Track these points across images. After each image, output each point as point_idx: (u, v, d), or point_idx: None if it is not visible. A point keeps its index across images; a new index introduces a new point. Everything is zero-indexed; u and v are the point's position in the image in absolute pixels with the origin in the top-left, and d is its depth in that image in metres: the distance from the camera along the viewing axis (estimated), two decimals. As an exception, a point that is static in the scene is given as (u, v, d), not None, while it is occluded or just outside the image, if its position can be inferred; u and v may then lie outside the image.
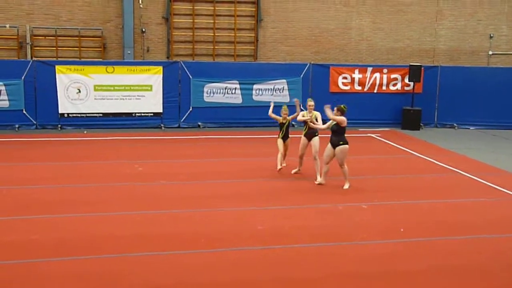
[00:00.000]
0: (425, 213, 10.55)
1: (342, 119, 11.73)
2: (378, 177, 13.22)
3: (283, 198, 11.23)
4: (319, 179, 12.33)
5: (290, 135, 13.15)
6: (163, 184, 12.13)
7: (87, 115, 18.90)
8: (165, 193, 11.43)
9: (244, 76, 19.91)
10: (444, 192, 12.05)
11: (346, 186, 12.00)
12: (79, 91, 18.74)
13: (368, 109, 20.64)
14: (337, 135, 11.79)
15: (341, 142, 11.85)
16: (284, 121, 12.99)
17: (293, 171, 12.92)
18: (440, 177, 13.37)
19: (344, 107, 11.81)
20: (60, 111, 18.63)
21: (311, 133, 12.56)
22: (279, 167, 12.81)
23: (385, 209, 10.76)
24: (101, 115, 19.00)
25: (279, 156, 12.94)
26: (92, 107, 18.89)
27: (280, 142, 13.04)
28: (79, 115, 18.85)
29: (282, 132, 13.04)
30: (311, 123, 12.39)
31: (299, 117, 12.60)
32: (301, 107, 13.22)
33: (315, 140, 12.56)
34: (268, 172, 13.24)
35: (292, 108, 13.22)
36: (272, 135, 17.59)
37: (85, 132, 18.41)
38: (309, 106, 12.57)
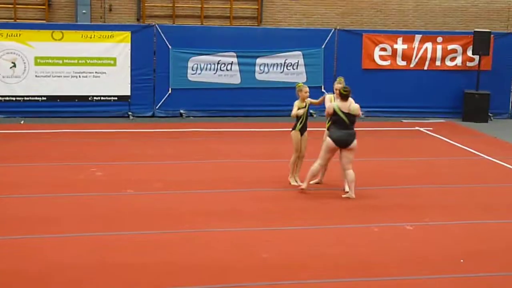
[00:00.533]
0: (495, 237, 10.55)
1: (330, 106, 12.06)
2: (430, 187, 13.25)
3: (295, 216, 11.25)
4: (350, 193, 12.34)
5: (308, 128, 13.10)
6: (130, 195, 12.17)
7: (25, 98, 18.97)
8: (134, 208, 11.44)
9: (243, 46, 19.99)
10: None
11: (353, 195, 12.26)
12: (14, 65, 18.80)
13: (416, 93, 20.72)
14: (349, 126, 11.94)
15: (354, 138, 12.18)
16: (303, 105, 12.91)
17: (312, 181, 12.90)
18: (517, 188, 13.45)
19: (345, 90, 11.88)
20: (-13, 93, 18.77)
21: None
22: (293, 182, 12.80)
23: (439, 231, 10.77)
24: (44, 99, 19.07)
25: (293, 162, 12.84)
26: (32, 88, 18.96)
27: (296, 136, 12.92)
28: (13, 98, 18.93)
29: (301, 122, 12.88)
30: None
31: (327, 104, 12.50)
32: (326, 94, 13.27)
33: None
34: (275, 180, 13.28)
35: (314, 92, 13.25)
36: (281, 128, 17.68)
37: (22, 122, 18.46)
38: (337, 89, 12.49)
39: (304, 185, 12.40)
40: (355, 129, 12.18)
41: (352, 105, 11.95)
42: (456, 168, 14.90)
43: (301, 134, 12.83)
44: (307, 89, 12.88)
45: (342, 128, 11.95)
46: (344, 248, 9.95)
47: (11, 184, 12.61)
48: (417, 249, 10.00)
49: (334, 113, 11.96)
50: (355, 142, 12.03)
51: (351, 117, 11.95)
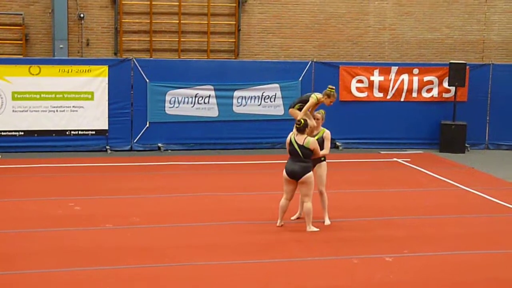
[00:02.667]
0: (473, 269, 10.60)
1: (288, 137, 12.16)
2: (408, 218, 13.29)
3: (275, 249, 11.24)
4: (327, 221, 12.47)
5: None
6: (109, 230, 12.11)
7: (2, 133, 18.87)
8: (113, 243, 11.39)
9: (221, 79, 20.04)
10: (502, 239, 12.14)
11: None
12: (-9, 101, 18.76)
13: (394, 124, 20.82)
14: (302, 159, 12.01)
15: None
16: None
17: (293, 217, 12.91)
18: (497, 218, 13.47)
19: (297, 124, 11.98)
20: (-37, 128, 18.69)
21: (315, 159, 12.61)
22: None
23: (417, 263, 10.79)
24: (22, 133, 18.98)
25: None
26: (9, 123, 18.87)
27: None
28: (-9, 133, 18.87)
29: None
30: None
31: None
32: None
33: (322, 167, 12.60)
34: (254, 213, 13.28)
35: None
36: (259, 161, 17.73)
37: (-1, 157, 18.40)
38: (316, 120, 12.63)
39: (278, 223, 12.38)
40: (309, 161, 12.09)
41: (307, 139, 11.98)
42: (434, 199, 14.95)
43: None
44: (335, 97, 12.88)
45: (296, 161, 11.99)
46: (325, 281, 9.94)
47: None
48: (397, 280, 10.02)
49: (290, 143, 12.03)
50: (308, 175, 11.96)
51: (305, 150, 11.96)
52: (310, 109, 12.57)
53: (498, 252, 11.39)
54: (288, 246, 11.45)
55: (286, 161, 12.11)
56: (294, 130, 12.04)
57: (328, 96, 12.72)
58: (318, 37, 23.72)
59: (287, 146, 12.12)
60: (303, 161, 11.93)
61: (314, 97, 12.60)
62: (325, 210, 12.63)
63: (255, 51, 23.36)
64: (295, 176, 11.97)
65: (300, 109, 12.54)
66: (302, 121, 11.94)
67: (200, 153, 19.46)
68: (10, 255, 10.69)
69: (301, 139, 11.93)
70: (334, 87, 12.88)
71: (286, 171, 12.05)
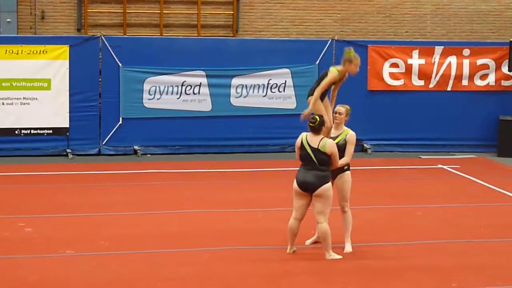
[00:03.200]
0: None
1: (298, 139, 12.02)
2: (456, 242, 13.28)
3: (281, 283, 11.21)
4: (348, 247, 12.38)
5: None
6: (69, 257, 12.09)
7: None
8: (72, 274, 11.36)
9: (215, 63, 20.11)
10: None
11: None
12: None
13: (438, 121, 20.89)
14: (317, 167, 11.94)
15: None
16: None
17: (308, 241, 12.90)
18: None
19: (311, 121, 11.88)
20: None
21: (336, 169, 12.58)
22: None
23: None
24: (-42, 133, 19.06)
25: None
26: None
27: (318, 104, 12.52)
28: None
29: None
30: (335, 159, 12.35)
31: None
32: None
33: (344, 179, 12.56)
34: (255, 235, 13.30)
35: None
36: (263, 168, 17.73)
37: None
38: (337, 115, 12.55)
39: (289, 249, 12.32)
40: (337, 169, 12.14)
41: (324, 141, 11.85)
42: (490, 217, 14.96)
43: (321, 100, 12.57)
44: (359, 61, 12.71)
45: (309, 168, 11.89)
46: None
47: None
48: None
49: (302, 147, 11.93)
50: (325, 187, 11.87)
51: (322, 155, 11.86)
52: (332, 89, 12.48)
53: None
54: (300, 278, 11.41)
55: (297, 169, 12.06)
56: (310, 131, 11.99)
57: (350, 61, 12.57)
58: (340, 8, 23.76)
59: (297, 150, 12.03)
60: (319, 169, 11.82)
61: (334, 70, 12.47)
62: (347, 232, 12.54)
63: (259, 27, 23.41)
64: (308, 188, 11.87)
65: (323, 97, 12.42)
66: (318, 117, 11.83)
67: (187, 158, 19.56)
68: None
69: (316, 140, 11.83)
70: (351, 47, 12.70)
71: (297, 182, 11.98)
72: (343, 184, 12.49)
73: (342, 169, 12.41)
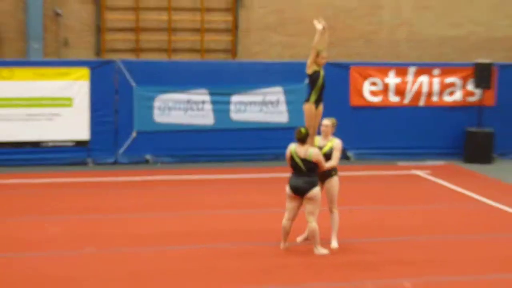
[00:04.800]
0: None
1: (288, 151, 12.16)
2: (429, 239, 13.30)
3: (281, 274, 11.25)
4: (334, 244, 12.50)
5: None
6: (91, 254, 12.07)
7: (-30, 145, 18.96)
8: (95, 269, 11.37)
9: (217, 82, 20.13)
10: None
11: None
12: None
13: (412, 132, 20.90)
14: (306, 174, 12.10)
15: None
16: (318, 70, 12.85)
17: (299, 238, 12.95)
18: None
19: (298, 134, 12.02)
20: None
21: (324, 173, 12.63)
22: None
23: (439, 289, 10.86)
24: (-9, 145, 19.05)
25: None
26: (-23, 133, 18.94)
27: (309, 108, 12.53)
28: (-44, 145, 18.90)
29: (317, 91, 12.66)
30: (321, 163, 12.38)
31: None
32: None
33: (332, 183, 12.62)
34: (254, 234, 13.32)
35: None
36: (260, 174, 17.71)
37: (-34, 172, 18.42)
38: (324, 127, 12.62)
39: (282, 246, 12.41)
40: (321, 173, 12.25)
41: (309, 152, 12.00)
42: (458, 216, 14.97)
43: (316, 107, 12.54)
44: (326, 54, 13.12)
45: (300, 175, 12.04)
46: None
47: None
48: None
49: (291, 158, 12.09)
50: (314, 191, 12.00)
51: (309, 163, 12.01)
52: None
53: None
54: (294, 270, 11.44)
55: (289, 176, 12.15)
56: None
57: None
58: (326, 35, 23.69)
59: (287, 160, 12.17)
60: (308, 175, 11.98)
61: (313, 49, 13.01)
62: (334, 231, 12.63)
63: (255, 50, 23.37)
64: (299, 192, 12.03)
65: (317, 101, 12.45)
66: (303, 130, 11.97)
67: (193, 166, 19.51)
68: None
69: (303, 151, 11.97)
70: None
71: (289, 186, 12.11)
72: (332, 188, 12.58)
73: (330, 174, 12.52)
